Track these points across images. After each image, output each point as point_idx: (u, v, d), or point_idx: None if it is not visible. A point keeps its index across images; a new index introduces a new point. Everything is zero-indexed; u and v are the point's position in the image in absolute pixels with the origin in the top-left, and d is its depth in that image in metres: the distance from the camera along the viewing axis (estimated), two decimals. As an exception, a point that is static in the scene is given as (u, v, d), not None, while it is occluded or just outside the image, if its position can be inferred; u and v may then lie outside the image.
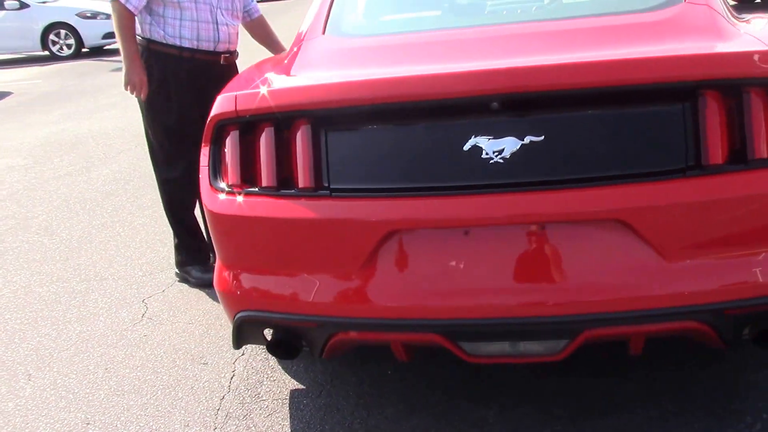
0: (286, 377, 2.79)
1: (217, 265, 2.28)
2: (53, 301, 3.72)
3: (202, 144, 2.26)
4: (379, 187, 2.01)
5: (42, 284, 3.95)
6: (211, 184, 2.19)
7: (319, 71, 2.28)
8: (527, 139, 1.92)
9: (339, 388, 2.68)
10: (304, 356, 2.87)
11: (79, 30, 14.34)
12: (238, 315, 2.19)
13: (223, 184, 2.16)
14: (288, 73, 2.35)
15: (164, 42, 3.42)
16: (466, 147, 1.94)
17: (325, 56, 2.40)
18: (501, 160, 1.92)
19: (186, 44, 3.43)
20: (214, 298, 3.52)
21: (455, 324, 1.99)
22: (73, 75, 12.25)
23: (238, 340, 2.29)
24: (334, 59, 2.36)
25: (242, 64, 3.38)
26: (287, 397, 2.66)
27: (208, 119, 2.20)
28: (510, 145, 1.92)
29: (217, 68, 3.53)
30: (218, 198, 2.15)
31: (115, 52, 13.16)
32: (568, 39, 2.21)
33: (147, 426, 2.59)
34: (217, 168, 2.20)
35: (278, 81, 2.27)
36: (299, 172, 2.06)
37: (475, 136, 1.94)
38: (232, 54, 3.61)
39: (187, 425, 2.57)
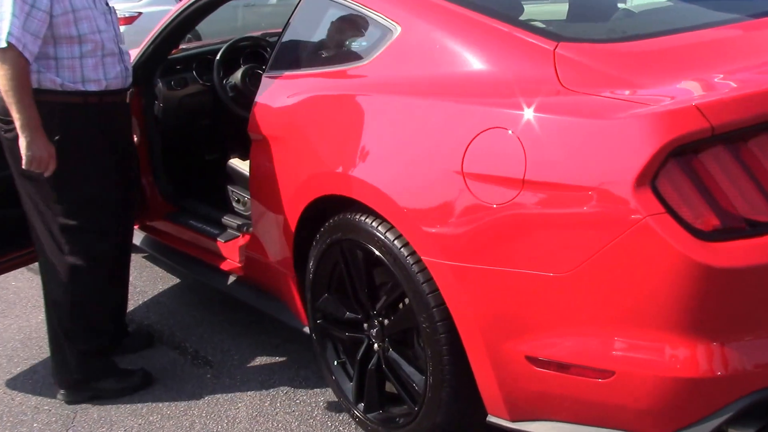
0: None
1: (683, 347, 1.68)
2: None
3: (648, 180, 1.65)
4: None
5: None
6: (689, 233, 1.62)
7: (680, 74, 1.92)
8: None
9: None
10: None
11: None
12: (746, 399, 1.66)
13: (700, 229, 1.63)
14: (632, 85, 1.86)
15: (62, 90, 2.59)
16: None
17: (632, 61, 1.99)
18: None
19: (92, 87, 2.64)
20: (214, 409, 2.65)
21: None
22: None
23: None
24: (656, 64, 1.99)
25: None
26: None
27: (657, 147, 1.63)
28: None
29: (122, 110, 2.82)
30: (715, 248, 1.61)
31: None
32: None
33: None
34: (673, 207, 1.64)
35: (697, 87, 1.85)
36: None
37: None
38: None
39: None
